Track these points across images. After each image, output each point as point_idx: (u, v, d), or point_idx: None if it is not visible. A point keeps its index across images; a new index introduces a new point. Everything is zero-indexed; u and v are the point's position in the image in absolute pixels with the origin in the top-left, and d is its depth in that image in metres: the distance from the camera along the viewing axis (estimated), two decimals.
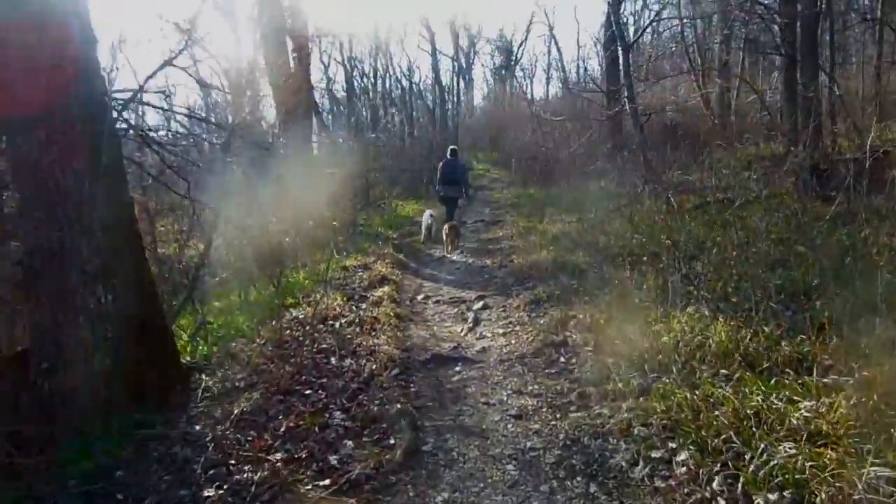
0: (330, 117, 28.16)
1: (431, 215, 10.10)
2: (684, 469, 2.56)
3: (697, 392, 2.96)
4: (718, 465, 2.49)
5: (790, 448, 2.37)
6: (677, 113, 14.67)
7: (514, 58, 34.80)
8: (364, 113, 29.65)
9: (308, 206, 9.45)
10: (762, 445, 2.42)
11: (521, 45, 37.24)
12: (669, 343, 3.65)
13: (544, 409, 3.46)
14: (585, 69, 29.10)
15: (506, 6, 54.11)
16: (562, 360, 4.11)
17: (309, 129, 12.82)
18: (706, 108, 14.95)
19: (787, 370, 3.11)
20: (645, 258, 5.69)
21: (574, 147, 12.62)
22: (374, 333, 4.79)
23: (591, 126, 15.53)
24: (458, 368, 4.25)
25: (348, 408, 3.50)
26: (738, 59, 16.03)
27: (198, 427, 3.24)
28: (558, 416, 3.35)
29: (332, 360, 4.28)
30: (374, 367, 4.03)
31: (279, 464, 2.87)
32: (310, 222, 9.59)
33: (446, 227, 9.23)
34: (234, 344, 4.64)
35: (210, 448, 2.98)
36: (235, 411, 3.33)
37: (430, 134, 22.07)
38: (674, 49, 20.95)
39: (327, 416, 3.39)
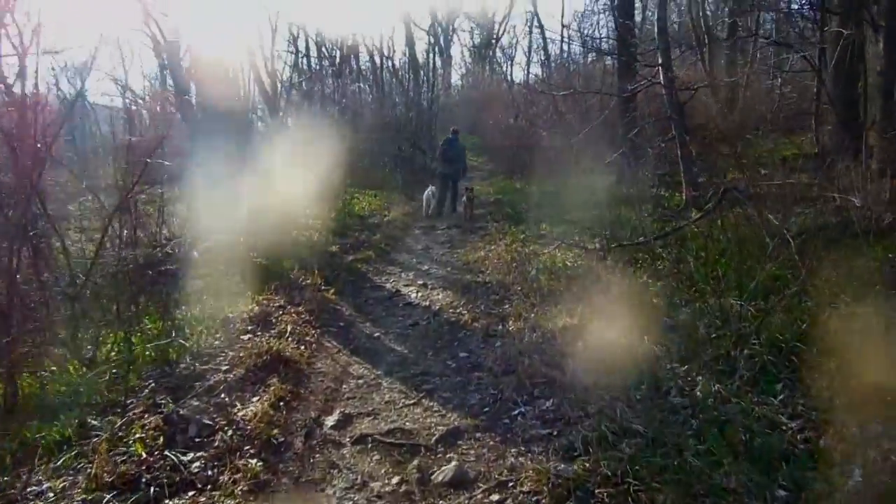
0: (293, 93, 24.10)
1: (432, 191, 10.58)
2: None
3: None
4: None
5: None
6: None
7: (495, 35, 31.39)
8: (332, 89, 25.72)
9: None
10: None
11: (503, 20, 33.50)
12: None
13: None
14: (569, 47, 25.62)
15: None
16: None
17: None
18: (714, 94, 12.00)
19: None
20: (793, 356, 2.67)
21: (578, 136, 9.48)
22: None
23: (586, 106, 12.51)
24: None
25: None
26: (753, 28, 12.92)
27: None
28: None
29: None
30: None
31: None
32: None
33: (464, 198, 9.94)
34: None
35: None
36: None
37: (402, 114, 18.32)
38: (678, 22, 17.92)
39: None
